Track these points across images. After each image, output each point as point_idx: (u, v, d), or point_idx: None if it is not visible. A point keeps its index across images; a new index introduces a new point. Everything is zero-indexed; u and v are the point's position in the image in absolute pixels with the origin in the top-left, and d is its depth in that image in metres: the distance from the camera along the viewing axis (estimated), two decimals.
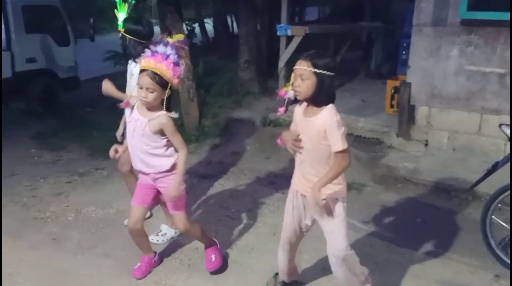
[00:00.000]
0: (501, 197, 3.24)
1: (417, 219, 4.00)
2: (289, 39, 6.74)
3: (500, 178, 3.35)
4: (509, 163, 3.26)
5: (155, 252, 3.21)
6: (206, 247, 3.14)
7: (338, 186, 2.47)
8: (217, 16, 11.42)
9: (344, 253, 2.52)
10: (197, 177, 4.82)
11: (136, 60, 3.26)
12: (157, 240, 3.50)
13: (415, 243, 3.55)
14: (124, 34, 3.36)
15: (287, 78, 6.78)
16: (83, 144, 5.98)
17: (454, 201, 4.33)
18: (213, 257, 3.09)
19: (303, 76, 2.34)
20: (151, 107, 2.73)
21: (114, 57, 9.12)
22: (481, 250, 3.38)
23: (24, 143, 6.15)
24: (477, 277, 3.15)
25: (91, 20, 9.23)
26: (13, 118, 7.01)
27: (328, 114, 2.36)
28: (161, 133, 2.76)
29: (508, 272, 3.15)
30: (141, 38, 3.34)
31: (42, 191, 4.52)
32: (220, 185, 4.65)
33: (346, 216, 2.55)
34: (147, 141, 2.77)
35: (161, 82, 2.62)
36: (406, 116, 5.40)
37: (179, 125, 5.99)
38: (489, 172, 3.38)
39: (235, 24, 11.34)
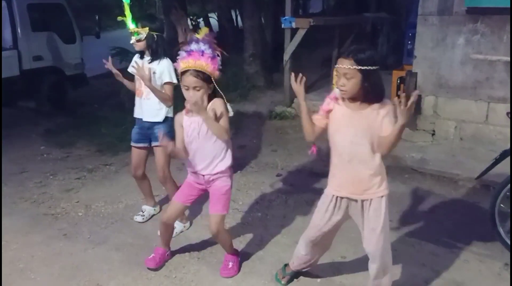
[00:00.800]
0: (509, 185, 3.23)
1: (425, 209, 4.00)
2: (294, 31, 6.73)
3: (508, 167, 3.34)
4: None
5: (170, 248, 3.25)
6: (228, 253, 3.12)
7: (384, 179, 2.49)
8: (221, 11, 11.41)
9: (382, 249, 2.52)
10: None
11: (160, 57, 3.36)
12: (142, 219, 3.67)
13: (424, 233, 3.56)
14: (151, 33, 3.36)
15: (292, 71, 6.77)
16: (91, 141, 6.03)
17: (462, 190, 4.33)
18: (230, 264, 3.07)
19: (347, 75, 2.26)
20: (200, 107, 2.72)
21: (120, 54, 9.14)
22: (490, 239, 3.38)
23: (33, 141, 6.21)
24: (486, 266, 3.15)
25: (97, 17, 9.26)
26: (21, 116, 7.09)
27: (387, 101, 2.34)
28: (218, 121, 2.75)
29: None
30: (162, 32, 3.46)
31: (52, 187, 4.58)
32: None
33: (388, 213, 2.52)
34: (212, 140, 2.77)
35: (204, 77, 2.66)
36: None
37: None
38: (496, 161, 3.37)
39: (239, 18, 11.32)
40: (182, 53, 2.68)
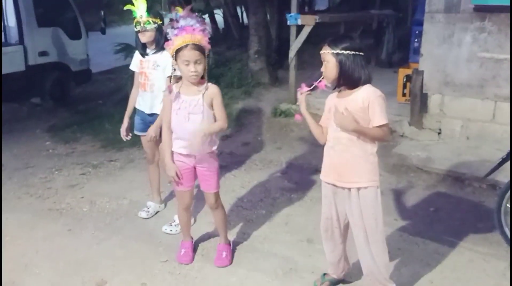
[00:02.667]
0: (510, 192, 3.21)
1: (430, 208, 3.98)
2: (299, 28, 6.69)
3: None
4: None
5: (192, 238, 3.30)
6: (220, 243, 3.20)
7: (374, 170, 2.49)
8: (226, 7, 11.37)
9: (376, 237, 2.56)
10: None
11: (162, 49, 3.36)
12: (170, 230, 3.55)
13: (428, 232, 3.54)
14: (160, 25, 3.40)
15: (297, 68, 6.77)
16: (96, 137, 6.04)
17: (468, 189, 4.30)
18: (224, 253, 3.14)
19: (325, 60, 2.41)
20: (196, 83, 2.77)
21: (125, 50, 9.15)
22: (495, 238, 3.37)
23: (38, 136, 6.23)
24: (491, 265, 3.13)
25: (102, 13, 9.27)
26: (26, 111, 7.11)
27: (370, 89, 2.40)
28: (211, 106, 2.82)
29: None
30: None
31: (57, 183, 4.59)
32: (231, 176, 4.67)
33: (380, 204, 2.54)
34: (207, 119, 2.81)
35: (202, 51, 2.70)
36: (419, 104, 5.36)
37: None
38: (503, 160, 3.34)
39: (245, 15, 11.28)
40: (173, 31, 2.67)
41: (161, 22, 3.43)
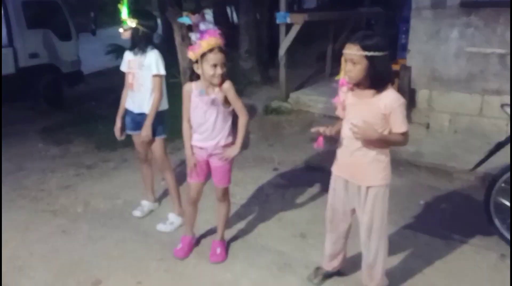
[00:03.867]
0: (504, 177, 3.26)
1: (420, 201, 4.04)
2: (289, 27, 6.74)
3: (502, 159, 3.38)
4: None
5: (194, 234, 3.36)
6: (215, 239, 3.25)
7: (386, 170, 2.52)
8: (216, 7, 11.38)
9: (380, 233, 2.60)
10: None
11: (142, 50, 3.42)
12: (165, 229, 3.57)
13: (419, 225, 3.60)
14: (138, 26, 3.42)
15: (288, 66, 6.81)
16: (89, 138, 6.04)
17: (457, 182, 4.37)
18: (218, 250, 3.20)
19: (354, 61, 2.30)
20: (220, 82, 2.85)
21: (116, 51, 9.14)
22: (485, 230, 3.42)
23: (31, 138, 6.21)
24: (482, 257, 3.19)
25: (92, 14, 9.24)
26: (18, 114, 7.08)
27: (393, 95, 2.35)
28: (227, 102, 2.91)
29: None
30: (152, 31, 3.55)
31: (51, 184, 4.59)
32: None
33: (387, 202, 2.57)
34: (220, 118, 2.91)
35: (226, 53, 2.81)
36: (407, 99, 5.40)
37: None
38: (491, 153, 3.40)
39: (235, 14, 11.30)
40: (196, 35, 2.77)
41: (139, 24, 3.42)
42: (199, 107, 2.92)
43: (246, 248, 3.33)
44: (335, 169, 2.66)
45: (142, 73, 3.46)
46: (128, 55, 3.57)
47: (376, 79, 2.33)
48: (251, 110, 6.60)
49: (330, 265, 2.89)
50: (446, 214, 3.81)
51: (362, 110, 2.41)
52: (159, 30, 12.19)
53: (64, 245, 3.46)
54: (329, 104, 6.25)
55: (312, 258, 3.12)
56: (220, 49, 2.76)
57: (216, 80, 2.82)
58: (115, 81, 7.62)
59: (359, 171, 2.51)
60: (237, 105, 2.93)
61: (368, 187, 2.51)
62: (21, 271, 3.15)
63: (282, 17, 6.60)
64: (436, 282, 2.94)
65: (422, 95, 5.43)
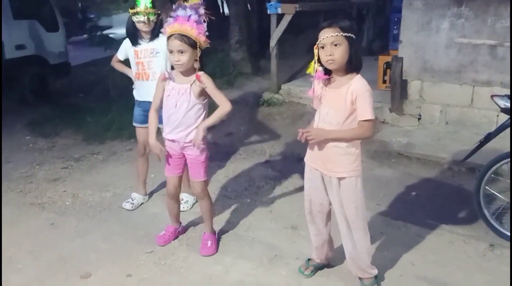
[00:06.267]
0: (494, 167, 3.27)
1: (411, 192, 4.05)
2: (280, 17, 6.69)
3: (492, 149, 3.39)
4: (501, 135, 3.30)
5: (181, 223, 3.37)
6: (206, 232, 3.23)
7: (357, 161, 2.49)
8: None
9: (356, 223, 2.58)
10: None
11: (156, 37, 3.46)
12: (131, 206, 3.70)
13: (410, 216, 3.60)
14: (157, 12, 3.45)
15: (279, 57, 6.77)
16: (77, 130, 5.97)
17: (447, 173, 4.39)
18: (209, 242, 3.17)
19: (336, 42, 2.29)
20: (186, 72, 2.82)
21: (104, 42, 9.02)
22: (475, 220, 3.44)
23: (18, 131, 6.13)
24: (472, 247, 3.21)
25: (79, 5, 9.11)
26: (6, 106, 6.96)
27: (360, 82, 2.36)
28: (203, 94, 2.88)
29: (503, 241, 3.20)
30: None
31: (38, 177, 4.53)
32: (216, 166, 4.68)
33: (363, 197, 2.57)
34: (192, 109, 2.86)
35: (189, 42, 2.72)
36: (399, 91, 5.42)
37: None
38: (481, 144, 3.41)
39: (225, 5, 11.23)
40: (169, 19, 2.74)
41: (159, 12, 3.47)
42: (171, 95, 2.88)
43: (237, 240, 3.32)
44: (309, 160, 2.64)
45: (157, 60, 3.46)
46: (131, 45, 3.52)
47: (355, 61, 2.35)
48: (241, 102, 6.57)
49: (318, 257, 2.89)
50: (436, 204, 3.82)
51: (332, 100, 2.42)
52: None
53: (53, 238, 3.42)
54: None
55: (303, 250, 3.11)
56: (180, 36, 2.69)
57: (177, 68, 2.79)
58: (103, 73, 7.55)
59: (329, 162, 2.50)
60: (218, 97, 2.88)
61: (339, 179, 2.51)
62: (10, 264, 3.11)
63: (273, 7, 6.55)
64: (425, 272, 2.94)
65: (413, 86, 5.43)
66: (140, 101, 3.63)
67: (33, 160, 5.00)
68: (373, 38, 8.81)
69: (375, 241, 3.27)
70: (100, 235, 3.43)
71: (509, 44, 4.75)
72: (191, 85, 2.83)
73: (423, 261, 3.05)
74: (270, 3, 6.60)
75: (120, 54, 3.67)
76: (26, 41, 7.50)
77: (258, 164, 4.73)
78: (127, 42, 3.58)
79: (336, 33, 2.29)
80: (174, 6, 2.77)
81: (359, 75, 2.39)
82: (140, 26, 3.43)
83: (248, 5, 9.10)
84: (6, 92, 7.34)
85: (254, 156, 4.95)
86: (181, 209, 3.55)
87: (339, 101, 2.38)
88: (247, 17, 8.41)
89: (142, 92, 3.59)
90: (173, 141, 2.98)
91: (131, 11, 3.41)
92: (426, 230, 3.41)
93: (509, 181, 3.31)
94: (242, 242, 3.29)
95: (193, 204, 3.76)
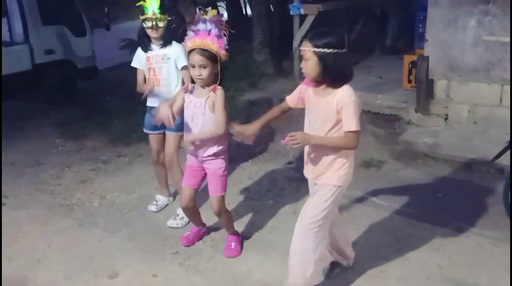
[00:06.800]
0: None
1: (437, 194, 3.98)
2: (302, 18, 6.68)
3: None
4: None
5: (205, 225, 3.40)
6: (229, 234, 3.24)
7: (341, 171, 2.44)
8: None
9: (307, 222, 2.47)
10: None
11: (168, 43, 3.48)
12: (176, 224, 3.59)
13: (436, 218, 3.54)
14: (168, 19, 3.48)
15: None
16: (104, 132, 6.08)
17: (475, 174, 4.29)
18: (232, 244, 3.19)
19: (305, 57, 2.32)
20: (206, 84, 2.83)
21: (130, 45, 9.16)
22: (504, 222, 3.37)
23: (47, 133, 6.28)
24: (501, 250, 3.14)
25: (106, 9, 9.27)
26: (34, 109, 7.17)
27: (346, 92, 2.32)
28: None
29: None
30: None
31: (67, 179, 4.65)
32: (239, 167, 4.70)
33: (332, 209, 2.49)
34: (208, 122, 2.86)
35: (210, 56, 2.73)
36: (425, 90, 5.32)
37: None
38: (511, 144, 3.33)
39: (248, 6, 11.26)
40: (190, 33, 2.76)
41: (170, 18, 3.49)
42: (189, 108, 2.90)
43: (261, 242, 3.33)
44: (304, 168, 2.62)
45: (167, 66, 3.47)
46: (143, 51, 3.53)
47: (328, 75, 2.31)
48: (265, 103, 6.58)
49: (337, 259, 2.88)
50: (464, 206, 3.74)
51: (319, 107, 2.40)
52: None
53: (81, 238, 3.50)
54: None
55: (326, 251, 3.08)
56: (202, 51, 2.70)
57: (197, 82, 2.81)
58: (129, 76, 7.67)
59: (316, 169, 2.48)
60: (218, 116, 2.83)
61: (321, 184, 2.49)
62: (39, 263, 3.20)
63: (295, 8, 6.54)
64: (453, 275, 2.89)
65: (440, 86, 5.32)
66: (151, 107, 3.61)
67: (62, 162, 5.13)
68: (398, 37, 8.68)
69: (400, 243, 3.23)
70: (127, 236, 3.50)
71: None
72: (206, 99, 2.83)
73: (450, 263, 3.01)
74: (292, 4, 6.60)
75: (135, 63, 3.63)
76: (55, 46, 7.69)
77: (281, 165, 4.73)
78: (140, 50, 3.58)
79: (304, 48, 2.30)
80: (197, 11, 2.79)
81: (346, 85, 2.35)
82: (149, 32, 3.44)
83: (271, 6, 9.10)
84: (36, 94, 7.55)
85: (278, 157, 4.94)
86: (175, 225, 3.57)
87: (325, 109, 2.36)
88: (269, 18, 8.40)
89: (153, 97, 3.59)
90: (193, 154, 3.00)
91: (141, 17, 3.42)
92: (453, 233, 3.36)
93: None
94: (265, 243, 3.30)
95: (165, 205, 3.77)
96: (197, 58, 2.72)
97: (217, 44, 2.73)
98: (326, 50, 2.25)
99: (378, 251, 3.14)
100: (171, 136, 3.60)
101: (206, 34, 2.71)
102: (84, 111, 7.26)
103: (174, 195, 4.06)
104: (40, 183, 4.54)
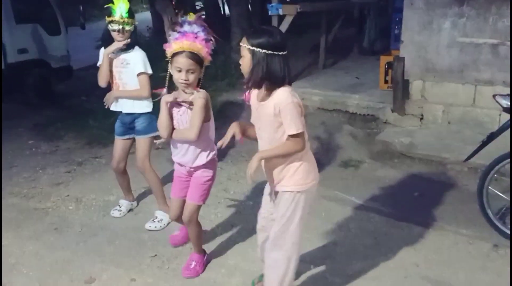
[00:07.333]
0: (497, 167, 3.27)
1: (414, 192, 4.05)
2: (281, 18, 6.69)
3: (495, 149, 3.38)
4: (504, 134, 3.29)
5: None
6: (194, 252, 3.04)
7: (296, 175, 2.35)
8: None
9: (274, 237, 2.40)
10: None
11: (131, 47, 3.36)
12: (155, 227, 3.54)
13: (413, 217, 3.60)
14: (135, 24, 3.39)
15: None
16: (79, 133, 5.98)
17: (450, 173, 4.38)
18: (193, 263, 2.99)
19: (242, 53, 2.24)
20: (187, 90, 2.66)
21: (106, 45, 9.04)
22: (478, 221, 3.43)
23: (21, 135, 6.15)
24: (475, 247, 3.20)
25: (81, 8, 9.13)
26: (7, 110, 6.99)
27: (282, 95, 2.20)
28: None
29: (507, 241, 3.20)
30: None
31: (42, 181, 4.55)
32: (218, 168, 4.63)
33: (300, 216, 2.38)
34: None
35: (199, 60, 2.60)
36: (401, 91, 5.40)
37: None
38: (484, 143, 3.40)
39: (226, 6, 11.24)
40: (174, 34, 2.59)
41: (137, 23, 3.41)
42: (173, 116, 2.73)
43: (240, 243, 3.32)
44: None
45: (127, 71, 3.39)
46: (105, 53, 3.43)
47: (258, 75, 2.19)
48: (243, 104, 6.56)
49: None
50: (439, 205, 3.81)
51: (260, 114, 2.32)
52: (149, 22, 12.10)
53: (57, 242, 3.43)
54: (324, 97, 6.27)
55: (306, 252, 3.10)
56: (191, 55, 2.55)
57: (181, 86, 2.64)
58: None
59: (271, 175, 2.39)
60: (193, 121, 2.65)
61: (281, 192, 2.39)
62: (14, 268, 3.12)
63: (274, 8, 6.54)
64: (429, 273, 2.94)
65: (415, 86, 5.41)
66: (117, 113, 3.56)
67: (36, 164, 5.01)
68: (375, 38, 8.78)
69: (379, 242, 3.27)
70: (104, 239, 3.44)
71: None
72: (189, 105, 2.68)
73: (427, 261, 3.05)
74: (271, 4, 6.60)
75: (100, 63, 3.50)
76: (28, 45, 7.53)
77: (260, 166, 4.72)
78: (103, 51, 3.45)
79: (241, 44, 2.24)
80: (177, 13, 2.69)
81: (284, 87, 2.22)
82: (114, 35, 3.32)
83: (250, 6, 9.10)
84: (9, 95, 7.38)
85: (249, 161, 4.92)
86: (154, 228, 3.51)
87: (266, 115, 2.26)
88: (248, 18, 8.41)
89: (117, 102, 3.51)
90: (180, 164, 2.88)
91: (107, 19, 3.31)
92: (429, 231, 3.41)
93: (510, 181, 3.30)
94: (245, 244, 3.29)
95: (168, 223, 3.57)
96: (186, 62, 2.56)
97: (205, 49, 2.61)
98: (259, 49, 2.16)
99: (356, 251, 3.17)
100: (140, 140, 3.53)
101: (194, 37, 2.57)
102: (58, 112, 7.13)
103: (138, 199, 4.01)
104: (13, 186, 4.42)
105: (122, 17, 3.27)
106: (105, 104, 3.55)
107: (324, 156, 4.77)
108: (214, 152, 2.86)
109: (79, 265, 3.12)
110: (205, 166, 2.84)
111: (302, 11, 6.65)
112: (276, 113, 2.22)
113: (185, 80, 2.60)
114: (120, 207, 3.82)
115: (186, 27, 2.58)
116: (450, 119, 5.28)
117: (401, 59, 5.39)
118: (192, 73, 2.60)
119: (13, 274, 3.06)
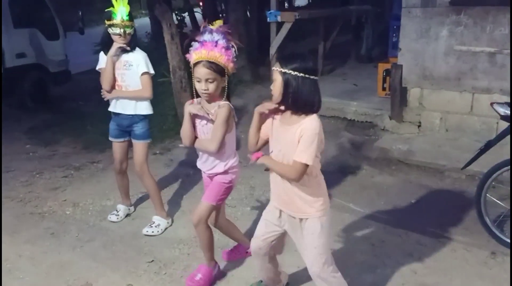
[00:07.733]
0: (495, 175, 3.27)
1: (411, 200, 4.05)
2: (279, 25, 6.72)
3: (493, 157, 3.39)
4: (501, 142, 3.30)
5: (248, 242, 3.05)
6: (203, 264, 2.95)
7: (316, 203, 2.36)
8: (206, 5, 11.33)
9: (318, 270, 2.38)
10: (193, 167, 4.80)
11: (132, 49, 3.39)
12: (152, 232, 3.53)
13: (410, 224, 3.60)
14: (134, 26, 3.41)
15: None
16: (77, 138, 5.97)
17: (448, 181, 4.38)
18: (198, 276, 2.88)
19: (274, 76, 2.24)
20: (212, 99, 2.64)
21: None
22: (476, 228, 3.43)
23: (18, 139, 6.13)
24: (473, 255, 3.20)
25: (80, 13, 9.15)
26: (5, 114, 6.97)
27: (311, 124, 2.20)
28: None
29: (504, 249, 3.20)
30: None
31: (39, 186, 4.53)
32: None
33: (326, 234, 2.38)
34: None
35: (218, 69, 2.54)
36: (398, 98, 5.43)
37: (173, 115, 5.98)
38: (481, 151, 3.41)
39: (224, 13, 11.28)
40: (195, 44, 2.55)
41: (136, 25, 3.44)
42: (196, 126, 2.73)
43: None
44: (272, 199, 2.52)
45: (130, 73, 3.41)
46: (105, 55, 3.44)
47: (290, 99, 2.19)
48: (242, 110, 6.58)
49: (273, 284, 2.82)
50: (437, 212, 3.81)
51: (284, 139, 2.30)
52: (148, 28, 12.11)
53: (53, 247, 3.41)
54: (322, 103, 6.27)
55: (299, 260, 3.09)
56: (209, 64, 2.51)
57: (203, 96, 2.62)
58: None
59: (289, 201, 2.38)
60: (214, 133, 2.63)
61: (300, 220, 2.38)
62: (10, 273, 3.10)
63: (272, 15, 6.58)
64: (427, 280, 2.94)
65: (413, 94, 5.44)
66: (114, 114, 3.56)
67: (33, 168, 5.00)
68: (372, 46, 8.84)
69: (375, 249, 3.27)
70: (101, 244, 3.43)
71: (508, 51, 4.76)
72: (211, 118, 2.64)
73: (424, 268, 3.05)
74: (269, 11, 6.64)
75: (100, 66, 3.51)
76: (26, 49, 7.53)
77: (258, 171, 4.71)
78: (103, 54, 3.47)
79: (274, 67, 2.23)
80: (202, 29, 2.61)
81: (314, 115, 2.22)
82: (115, 38, 3.33)
83: (248, 12, 9.13)
84: (7, 99, 7.37)
85: (255, 164, 4.92)
86: (151, 233, 3.50)
87: (290, 140, 2.24)
88: (246, 24, 8.43)
89: (117, 103, 3.51)
90: (204, 172, 2.87)
91: (107, 22, 3.32)
92: (427, 238, 3.41)
93: (509, 188, 3.31)
94: None
95: (165, 228, 3.60)
96: (203, 71, 2.52)
97: (225, 57, 2.54)
98: (291, 72, 2.16)
99: (353, 257, 3.17)
100: (138, 145, 3.54)
101: (213, 46, 2.51)
102: (56, 116, 7.12)
103: (136, 204, 4.00)
104: (10, 191, 4.41)
105: (123, 20, 3.29)
106: (103, 96, 3.52)
107: (322, 163, 4.76)
108: (233, 160, 2.83)
109: (76, 270, 3.10)
110: (223, 173, 2.81)
111: (300, 18, 6.69)
112: (299, 139, 2.21)
113: (205, 90, 2.56)
114: (118, 212, 3.81)
115: (206, 36, 2.54)
116: (447, 127, 5.30)
117: (399, 66, 5.42)
118: (211, 82, 2.55)
119: (9, 278, 3.04)
